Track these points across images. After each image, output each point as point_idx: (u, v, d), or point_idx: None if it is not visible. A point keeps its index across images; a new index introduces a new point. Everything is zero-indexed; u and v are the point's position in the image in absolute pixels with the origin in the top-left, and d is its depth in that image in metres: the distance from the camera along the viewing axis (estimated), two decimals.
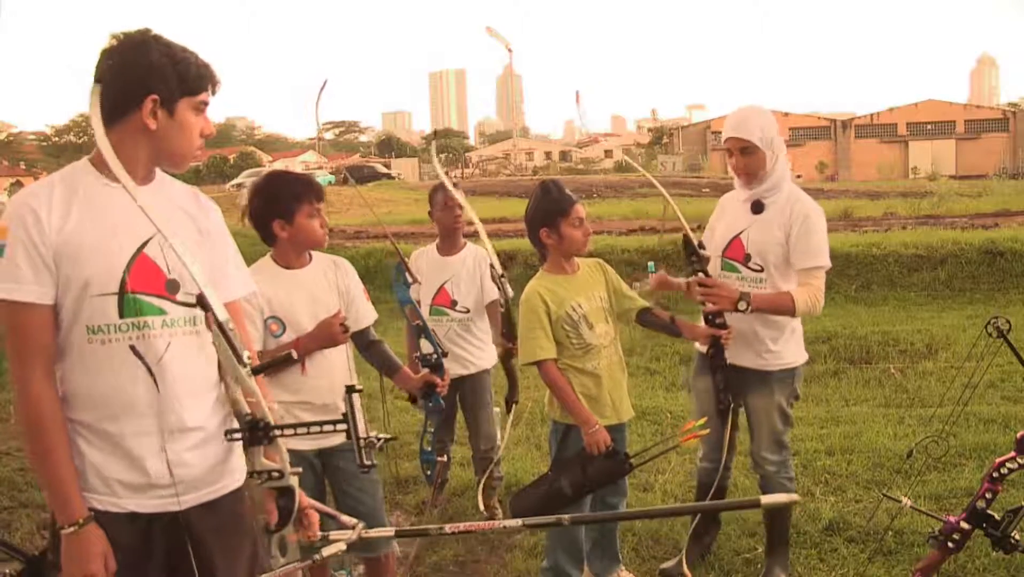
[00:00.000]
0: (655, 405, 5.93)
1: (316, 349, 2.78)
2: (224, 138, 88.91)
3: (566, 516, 2.15)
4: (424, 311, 3.93)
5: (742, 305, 3.04)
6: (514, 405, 3.55)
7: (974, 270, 10.20)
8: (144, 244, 1.81)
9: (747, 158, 3.18)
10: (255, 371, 1.70)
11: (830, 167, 55.67)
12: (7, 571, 2.46)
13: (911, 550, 3.50)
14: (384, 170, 46.45)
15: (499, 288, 3.40)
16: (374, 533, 1.98)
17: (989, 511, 2.62)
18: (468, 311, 4.03)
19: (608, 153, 77.92)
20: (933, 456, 3.19)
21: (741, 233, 3.26)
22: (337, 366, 2.84)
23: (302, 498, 1.81)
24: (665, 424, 5.52)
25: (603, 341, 3.12)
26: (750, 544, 3.67)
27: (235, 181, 36.98)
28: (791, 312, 3.13)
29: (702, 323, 3.22)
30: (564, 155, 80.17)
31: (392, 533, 2.20)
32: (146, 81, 1.77)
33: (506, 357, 3.60)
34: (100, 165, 1.82)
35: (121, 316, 1.78)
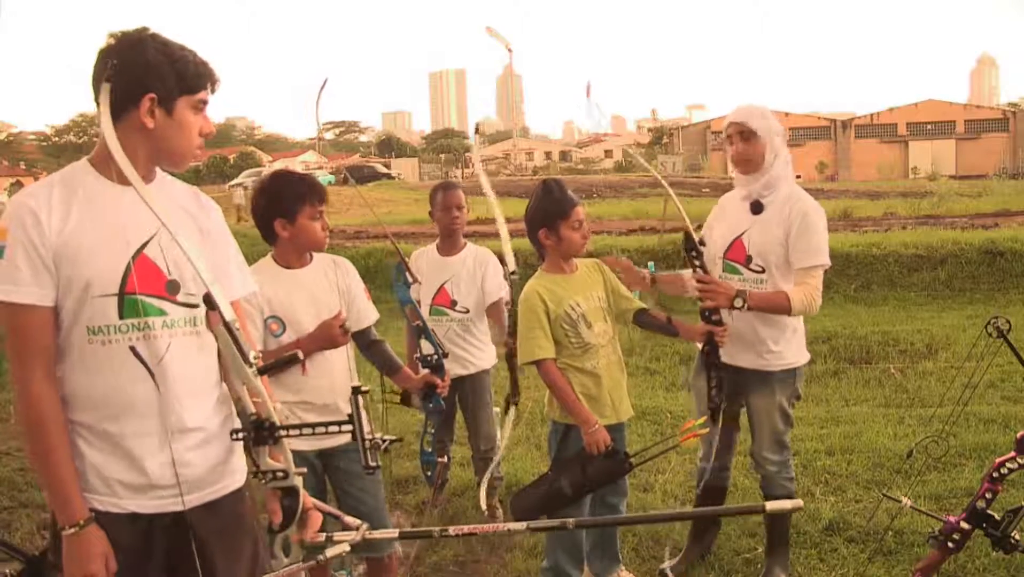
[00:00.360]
0: (655, 405, 5.94)
1: (316, 350, 2.78)
2: (224, 138, 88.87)
3: (571, 520, 2.14)
4: (424, 311, 3.93)
5: (738, 302, 3.05)
6: (513, 405, 3.54)
7: (974, 270, 10.21)
8: (144, 244, 1.81)
9: (746, 144, 3.19)
10: (260, 371, 1.70)
11: (830, 167, 55.68)
12: (7, 571, 2.46)
13: (911, 550, 3.51)
14: (384, 170, 46.45)
15: (511, 286, 3.39)
16: (378, 535, 1.97)
17: (989, 511, 2.62)
18: (468, 311, 4.03)
19: (608, 153, 77.89)
20: (933, 456, 3.19)
21: (742, 235, 3.26)
22: (337, 366, 2.84)
23: (306, 499, 1.81)
24: (665, 424, 5.53)
25: (602, 340, 3.12)
26: (750, 544, 3.67)
27: (235, 181, 36.96)
28: (787, 311, 3.13)
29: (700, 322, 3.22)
30: (564, 155, 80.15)
31: (396, 535, 2.18)
32: (143, 80, 1.76)
33: (510, 356, 3.60)
34: (100, 165, 1.82)
35: (121, 317, 1.78)
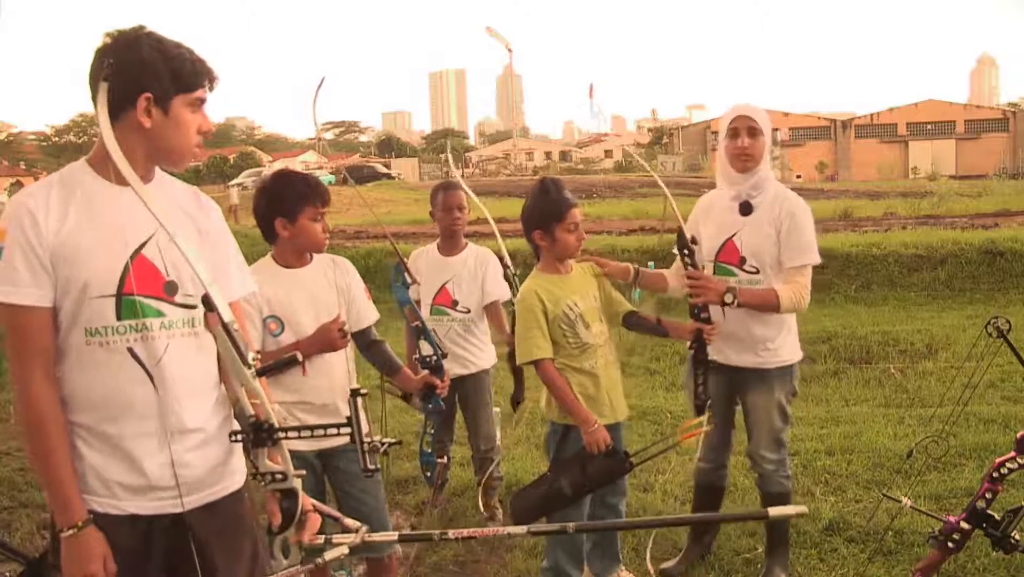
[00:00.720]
0: (655, 405, 5.93)
1: (315, 353, 2.78)
2: (224, 138, 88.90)
3: (571, 524, 2.13)
4: (425, 311, 3.93)
5: (728, 297, 3.06)
6: (518, 404, 3.54)
7: (974, 270, 10.20)
8: (142, 245, 1.80)
9: (753, 141, 3.19)
10: (259, 372, 1.69)
11: (830, 167, 55.69)
12: (7, 573, 2.46)
13: (911, 550, 3.50)
14: (384, 170, 46.47)
15: (512, 285, 3.38)
16: (378, 537, 1.97)
17: (989, 511, 2.62)
18: (469, 311, 4.03)
19: (608, 153, 77.90)
20: (933, 456, 3.19)
21: (733, 236, 3.25)
22: (336, 366, 2.84)
23: (305, 500, 1.80)
24: (665, 424, 5.52)
25: (599, 340, 3.12)
26: (750, 544, 3.67)
27: (235, 181, 36.94)
28: (776, 308, 3.14)
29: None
30: (564, 155, 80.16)
31: (396, 538, 2.18)
32: (139, 79, 1.75)
33: (512, 356, 3.60)
34: (98, 166, 1.81)
35: (119, 318, 1.78)
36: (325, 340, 2.78)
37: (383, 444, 1.78)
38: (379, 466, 1.80)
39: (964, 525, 2.63)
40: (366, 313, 2.96)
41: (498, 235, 3.35)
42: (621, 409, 3.20)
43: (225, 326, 1.61)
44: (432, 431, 3.76)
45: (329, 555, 1.77)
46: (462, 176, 44.32)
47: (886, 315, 8.96)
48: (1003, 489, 2.63)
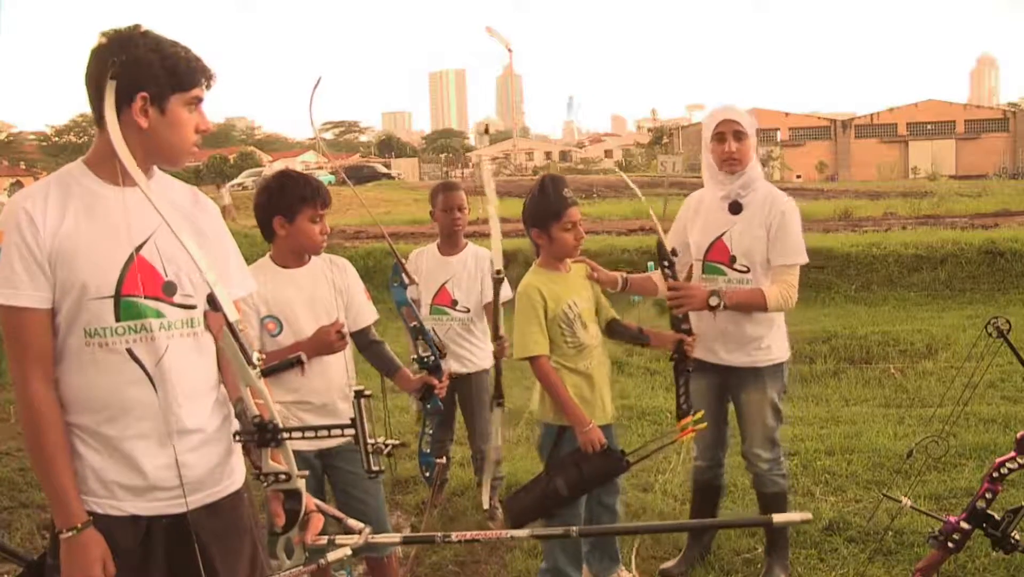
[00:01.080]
0: (655, 405, 5.93)
1: (313, 356, 2.77)
2: (224, 138, 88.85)
3: (574, 528, 2.13)
4: (425, 310, 3.93)
5: (714, 300, 3.06)
6: (498, 406, 3.48)
7: (974, 270, 10.21)
8: (140, 246, 1.80)
9: (739, 144, 3.20)
10: (262, 373, 1.69)
11: (830, 167, 55.66)
12: (6, 573, 2.46)
13: (911, 550, 3.50)
14: (384, 170, 46.41)
15: (495, 287, 3.35)
16: (381, 539, 1.96)
17: (989, 511, 2.62)
18: (468, 311, 4.03)
19: (608, 153, 77.87)
20: (933, 456, 3.18)
21: (723, 235, 3.26)
22: (334, 366, 2.84)
23: (308, 501, 1.80)
24: (665, 424, 5.51)
25: (594, 341, 3.12)
26: (750, 544, 3.67)
27: (235, 181, 36.92)
28: (763, 308, 3.16)
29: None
30: (564, 155, 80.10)
31: (399, 540, 2.17)
32: (135, 79, 1.74)
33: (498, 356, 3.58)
34: (95, 166, 1.81)
35: (118, 319, 1.77)
36: (323, 343, 2.78)
37: (386, 445, 1.77)
38: (383, 468, 1.79)
39: (964, 525, 2.63)
40: (365, 313, 2.96)
41: (495, 236, 3.33)
42: (610, 410, 3.21)
43: (230, 325, 1.60)
44: (431, 431, 3.75)
45: (332, 556, 1.77)
46: (462, 176, 44.25)
47: (886, 315, 8.96)
48: (1003, 489, 2.63)
